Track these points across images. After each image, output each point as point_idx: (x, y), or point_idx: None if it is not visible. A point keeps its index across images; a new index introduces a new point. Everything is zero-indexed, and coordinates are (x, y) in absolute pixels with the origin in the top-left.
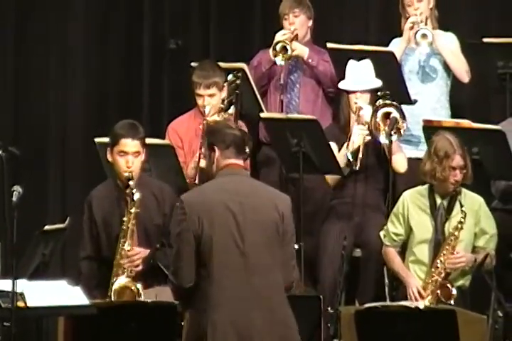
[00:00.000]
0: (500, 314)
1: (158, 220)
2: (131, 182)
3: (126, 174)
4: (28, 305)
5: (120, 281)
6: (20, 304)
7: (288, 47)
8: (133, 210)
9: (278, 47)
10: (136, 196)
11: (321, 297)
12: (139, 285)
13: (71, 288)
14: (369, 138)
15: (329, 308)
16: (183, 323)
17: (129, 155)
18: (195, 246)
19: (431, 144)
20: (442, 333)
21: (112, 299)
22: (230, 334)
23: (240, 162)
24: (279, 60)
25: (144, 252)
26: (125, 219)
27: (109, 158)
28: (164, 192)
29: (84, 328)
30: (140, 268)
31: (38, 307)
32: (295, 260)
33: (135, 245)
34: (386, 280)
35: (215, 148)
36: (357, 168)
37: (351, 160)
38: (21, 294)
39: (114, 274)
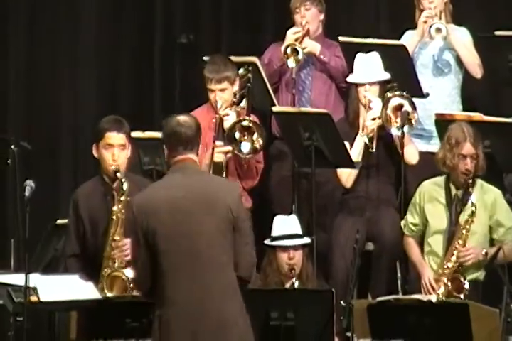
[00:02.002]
0: None
1: None
2: (118, 174)
3: (113, 167)
4: (41, 299)
5: (110, 272)
6: (33, 298)
7: (299, 49)
8: (123, 198)
9: (289, 50)
10: (125, 185)
11: (334, 290)
12: (130, 274)
13: (83, 283)
14: (380, 121)
15: (342, 302)
16: None
17: (115, 148)
18: (146, 247)
19: (446, 133)
20: (455, 327)
21: (104, 291)
22: (182, 333)
23: (190, 155)
24: (291, 63)
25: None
26: (115, 208)
27: (95, 153)
28: None
29: (96, 322)
30: (130, 257)
31: (50, 302)
32: (251, 244)
33: (124, 235)
34: (398, 274)
35: (164, 146)
36: (374, 149)
37: (367, 143)
38: (34, 288)
39: (104, 265)
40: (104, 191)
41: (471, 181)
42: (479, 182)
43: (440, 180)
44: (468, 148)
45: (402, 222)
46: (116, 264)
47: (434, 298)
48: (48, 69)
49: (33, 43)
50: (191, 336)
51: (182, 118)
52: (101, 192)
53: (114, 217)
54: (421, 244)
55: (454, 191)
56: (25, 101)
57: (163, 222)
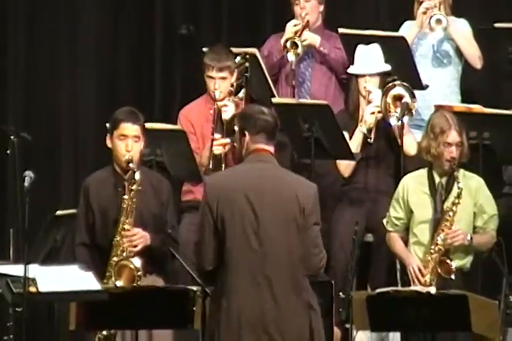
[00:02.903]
0: None
1: (155, 209)
2: (131, 164)
3: (126, 157)
4: (40, 290)
5: (118, 261)
6: (32, 289)
7: (298, 42)
8: (134, 187)
9: (288, 44)
10: (137, 175)
11: (333, 282)
12: (137, 263)
13: (83, 273)
14: (380, 115)
15: (341, 293)
16: (194, 309)
17: (129, 139)
18: (215, 231)
19: (429, 121)
20: (454, 318)
21: (112, 279)
22: (242, 323)
23: (270, 148)
24: (291, 56)
25: (143, 234)
26: (125, 197)
27: (109, 143)
28: (162, 183)
29: (96, 313)
30: (139, 248)
31: (49, 293)
32: (319, 247)
33: (133, 226)
34: (398, 266)
35: (246, 132)
36: (371, 140)
37: (366, 133)
38: (33, 279)
39: (113, 254)
40: (115, 181)
41: (456, 166)
42: (461, 171)
43: (422, 171)
44: (453, 136)
45: (385, 219)
46: (125, 253)
47: (432, 290)
48: (47, 61)
49: (32, 36)
50: (252, 329)
51: (265, 109)
52: (112, 182)
53: (125, 206)
54: (404, 238)
55: (437, 179)
56: (25, 92)
57: (235, 209)
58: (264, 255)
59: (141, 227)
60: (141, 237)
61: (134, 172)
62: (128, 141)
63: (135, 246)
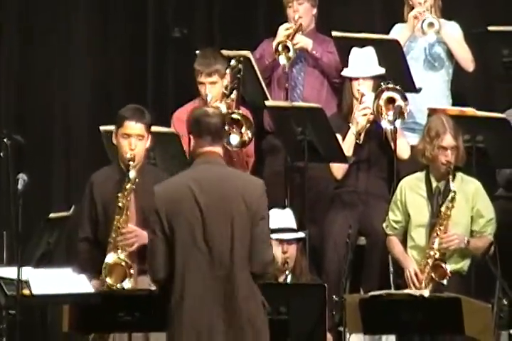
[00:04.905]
0: (505, 302)
1: None
2: (131, 163)
3: (128, 155)
4: (33, 292)
5: (110, 258)
6: (26, 292)
7: (290, 46)
8: (128, 186)
9: (280, 47)
10: (132, 174)
11: (326, 285)
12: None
13: (76, 276)
14: (372, 117)
15: (334, 296)
16: None
17: (132, 138)
18: (165, 238)
19: (425, 125)
20: (447, 321)
21: (104, 276)
22: (189, 333)
23: (216, 149)
24: (282, 60)
25: (140, 231)
26: (120, 195)
27: (114, 140)
28: None
29: (89, 316)
30: (134, 247)
31: (43, 295)
32: (267, 242)
33: (130, 223)
34: (391, 269)
35: (191, 136)
36: (361, 141)
37: (355, 134)
38: (26, 282)
39: (108, 251)
40: (119, 178)
41: (451, 170)
42: (459, 174)
43: (420, 174)
44: (448, 140)
45: (384, 223)
46: (120, 251)
47: (426, 293)
48: (40, 63)
49: (25, 38)
50: (206, 331)
51: (210, 109)
52: (116, 179)
53: (120, 204)
54: (403, 241)
55: (434, 183)
56: (17, 95)
57: (182, 214)
58: (213, 262)
59: (142, 225)
60: (135, 236)
61: (129, 170)
62: (131, 140)
63: (131, 245)
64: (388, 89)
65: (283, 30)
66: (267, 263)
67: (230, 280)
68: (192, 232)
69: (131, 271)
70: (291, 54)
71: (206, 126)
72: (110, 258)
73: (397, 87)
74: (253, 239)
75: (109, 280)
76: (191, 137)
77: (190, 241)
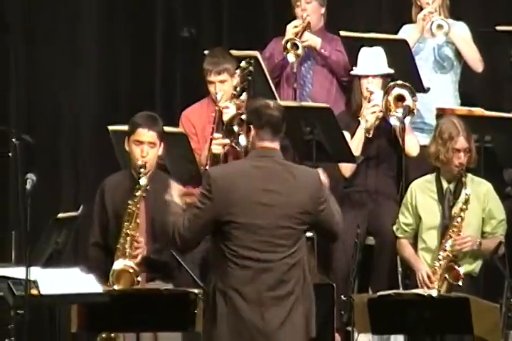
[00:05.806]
0: None
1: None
2: (142, 170)
3: (139, 162)
4: (42, 292)
5: (118, 264)
6: (34, 292)
7: (298, 43)
8: (138, 193)
9: (288, 45)
10: (143, 181)
11: (334, 285)
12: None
13: (84, 276)
14: (381, 114)
15: (342, 296)
16: (196, 311)
17: (144, 145)
18: (213, 220)
19: (437, 127)
20: (455, 321)
21: (111, 282)
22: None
23: (274, 143)
24: (291, 57)
25: (145, 249)
26: (130, 202)
27: (126, 147)
28: None
29: (97, 316)
30: (138, 259)
31: (51, 295)
32: (339, 213)
33: (139, 230)
34: (399, 268)
35: (251, 127)
36: (370, 135)
37: (365, 129)
38: (35, 282)
39: (116, 258)
40: (130, 185)
41: (464, 172)
42: (470, 175)
43: (430, 176)
44: (461, 142)
45: (395, 226)
46: (128, 258)
47: (434, 293)
48: (48, 64)
49: (32, 37)
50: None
51: (271, 101)
52: (127, 186)
53: (129, 211)
54: (414, 244)
55: (445, 185)
56: (26, 95)
57: (238, 207)
58: (270, 252)
59: (151, 233)
60: (142, 248)
61: (139, 177)
62: (143, 147)
63: (136, 257)
64: (397, 85)
65: (291, 28)
66: (338, 223)
67: (285, 274)
68: (250, 224)
69: (139, 279)
70: (299, 51)
71: (267, 118)
72: (118, 264)
73: (406, 84)
74: (326, 218)
75: (116, 287)
76: (251, 127)
77: (249, 232)
